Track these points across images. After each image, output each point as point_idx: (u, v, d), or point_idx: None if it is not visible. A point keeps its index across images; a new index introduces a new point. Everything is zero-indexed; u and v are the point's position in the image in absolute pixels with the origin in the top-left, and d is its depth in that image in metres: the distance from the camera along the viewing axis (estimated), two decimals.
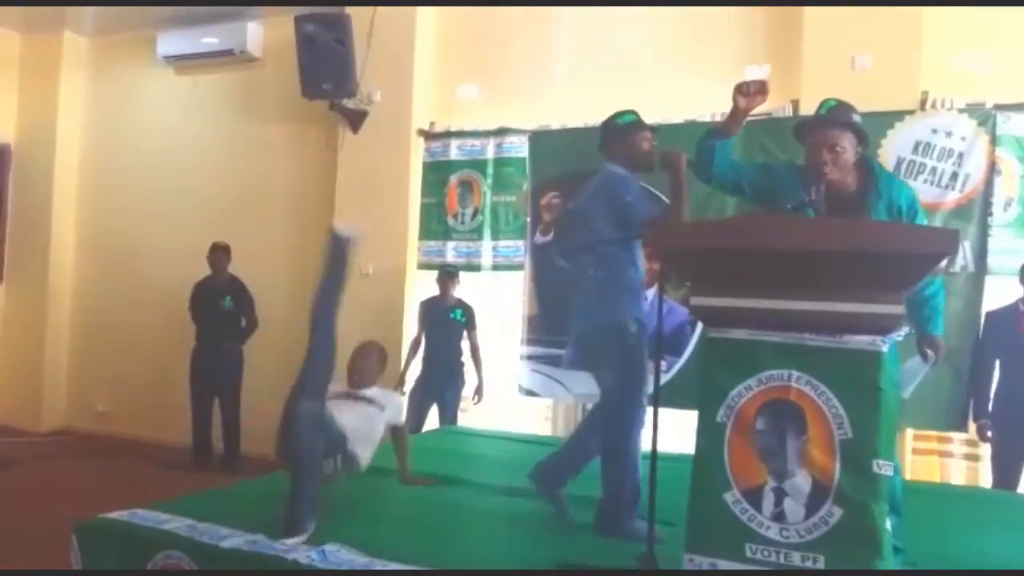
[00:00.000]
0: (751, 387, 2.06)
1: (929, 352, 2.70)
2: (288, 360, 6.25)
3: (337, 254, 3.01)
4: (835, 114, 2.67)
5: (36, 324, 7.23)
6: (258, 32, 6.56)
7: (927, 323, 2.70)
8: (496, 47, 5.86)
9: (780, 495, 1.96)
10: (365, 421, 3.20)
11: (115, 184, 7.27)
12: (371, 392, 3.35)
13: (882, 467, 1.94)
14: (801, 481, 1.96)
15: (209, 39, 6.58)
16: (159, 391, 6.57)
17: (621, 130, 3.19)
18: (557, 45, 5.58)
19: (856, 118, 2.67)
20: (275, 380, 6.10)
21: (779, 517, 1.95)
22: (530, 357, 5.35)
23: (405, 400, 3.63)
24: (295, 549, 2.65)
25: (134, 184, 7.16)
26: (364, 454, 3.14)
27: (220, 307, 5.97)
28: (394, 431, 3.41)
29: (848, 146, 2.60)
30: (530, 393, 5.38)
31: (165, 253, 6.80)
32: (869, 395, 1.98)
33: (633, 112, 3.25)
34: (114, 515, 2.98)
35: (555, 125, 5.48)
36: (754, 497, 1.98)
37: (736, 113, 2.81)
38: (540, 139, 5.46)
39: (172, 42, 6.73)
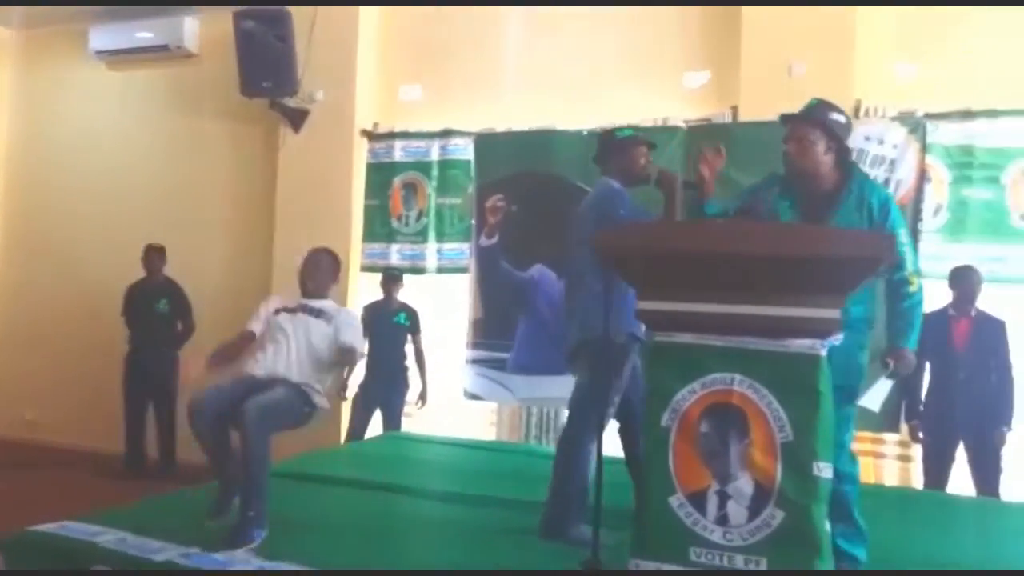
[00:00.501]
0: (695, 390, 2.07)
1: (889, 361, 2.69)
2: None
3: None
4: (809, 111, 2.72)
5: None
6: (195, 27, 6.38)
7: (898, 336, 2.70)
8: (440, 48, 5.82)
9: (724, 498, 1.98)
10: (313, 333, 3.13)
11: (44, 183, 6.98)
12: (323, 304, 3.26)
13: (822, 469, 1.98)
14: (744, 484, 1.98)
15: (143, 34, 6.37)
16: (90, 397, 6.32)
17: (619, 144, 3.23)
18: (501, 48, 5.58)
19: (836, 117, 2.70)
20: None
21: (723, 520, 1.97)
22: (475, 361, 5.33)
23: (358, 319, 3.47)
24: (235, 562, 2.58)
25: (63, 183, 6.89)
26: (317, 383, 3.11)
27: (155, 310, 5.79)
28: (343, 353, 3.19)
29: (817, 140, 2.64)
30: (474, 397, 5.36)
31: (96, 255, 6.56)
32: (809, 398, 2.01)
33: (631, 127, 3.27)
34: (43, 528, 2.87)
35: (500, 128, 5.47)
36: (698, 500, 2.00)
37: (704, 181, 2.85)
38: (485, 141, 5.45)
39: (105, 37, 6.49)
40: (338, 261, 3.43)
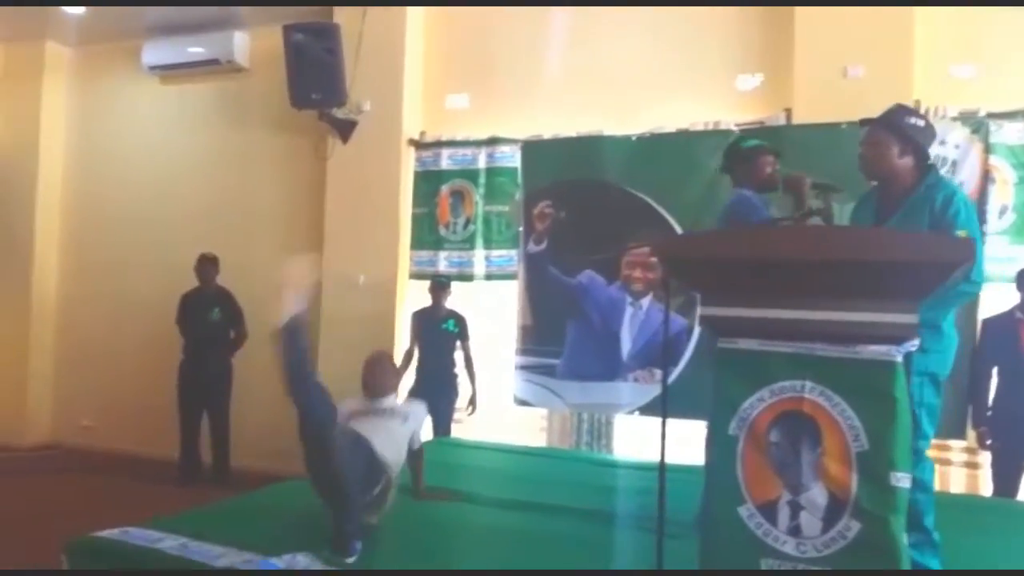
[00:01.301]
0: (763, 399, 2.02)
1: None
2: (274, 371, 6.20)
3: (292, 340, 3.08)
4: (885, 115, 2.75)
5: (19, 337, 7.08)
6: (245, 41, 6.49)
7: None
8: (486, 56, 5.83)
9: (796, 509, 1.92)
10: (391, 436, 3.14)
11: (100, 195, 7.16)
12: (389, 402, 3.30)
13: (899, 479, 1.91)
14: (817, 494, 1.92)
15: (195, 49, 6.50)
16: (146, 404, 6.43)
17: (745, 154, 3.27)
18: (548, 53, 5.56)
19: (913, 121, 2.70)
20: (264, 392, 6.06)
21: (795, 531, 1.91)
22: (524, 367, 5.30)
23: (425, 408, 3.52)
24: (296, 565, 2.59)
25: (120, 195, 7.06)
26: (394, 472, 3.10)
27: (208, 319, 5.88)
28: (412, 443, 3.32)
29: (891, 145, 2.66)
30: (524, 403, 5.33)
31: (152, 265, 6.69)
32: (884, 406, 1.95)
33: (755, 137, 3.29)
34: (106, 534, 2.91)
35: (547, 134, 5.45)
36: (769, 511, 1.94)
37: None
38: (532, 148, 5.43)
39: (157, 52, 6.63)
40: (394, 362, 3.55)
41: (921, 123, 2.71)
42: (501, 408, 5.47)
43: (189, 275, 5.94)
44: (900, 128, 2.66)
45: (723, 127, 4.96)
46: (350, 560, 2.77)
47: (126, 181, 7.04)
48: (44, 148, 7.17)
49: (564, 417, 5.46)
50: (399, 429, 3.19)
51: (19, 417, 7.02)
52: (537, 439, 5.53)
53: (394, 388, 3.38)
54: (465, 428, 5.41)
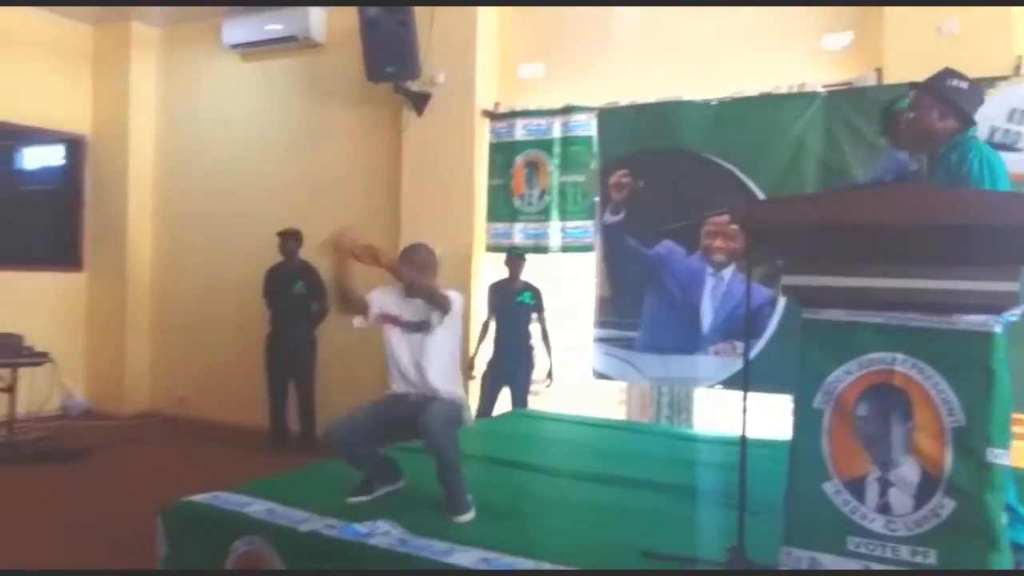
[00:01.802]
0: (851, 371, 1.94)
1: None
2: (359, 344, 6.33)
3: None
4: (928, 79, 2.71)
5: (117, 311, 7.46)
6: (320, 17, 6.57)
7: None
8: (560, 24, 5.75)
9: (885, 485, 1.85)
10: (432, 349, 3.17)
11: (188, 171, 7.42)
12: (419, 307, 3.23)
13: (997, 456, 1.81)
14: (908, 471, 1.84)
15: (273, 26, 6.62)
16: (237, 375, 6.66)
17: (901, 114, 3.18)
18: (623, 19, 5.43)
19: (956, 84, 2.64)
20: (347, 363, 6.22)
21: (885, 509, 1.84)
22: (602, 340, 5.24)
23: (459, 296, 3.31)
24: (375, 533, 2.65)
25: (207, 171, 7.30)
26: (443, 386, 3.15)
27: (292, 292, 6.04)
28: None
29: (930, 107, 2.63)
30: (603, 376, 5.29)
31: (240, 239, 6.90)
32: (982, 379, 1.84)
33: (906, 96, 3.18)
34: (197, 498, 3.03)
35: (624, 101, 5.33)
36: (856, 487, 1.87)
37: None
38: (608, 116, 5.33)
39: (237, 30, 6.80)
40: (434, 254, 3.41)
41: (964, 85, 2.65)
42: (579, 381, 5.45)
43: (276, 249, 6.11)
44: (940, 91, 2.63)
45: (808, 89, 4.75)
46: (468, 518, 2.86)
47: (213, 157, 7.28)
48: (134, 126, 7.46)
49: (644, 390, 5.41)
50: (436, 338, 3.18)
51: (119, 387, 7.41)
52: (616, 412, 5.50)
53: (427, 290, 3.21)
54: (543, 401, 5.42)
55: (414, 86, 5.89)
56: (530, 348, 5.30)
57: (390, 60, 5.77)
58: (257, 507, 2.93)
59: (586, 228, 5.49)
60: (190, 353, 7.26)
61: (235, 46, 6.87)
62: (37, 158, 7.51)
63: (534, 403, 5.36)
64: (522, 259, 5.35)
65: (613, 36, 5.42)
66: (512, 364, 5.28)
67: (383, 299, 3.31)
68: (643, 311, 5.11)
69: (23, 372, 5.87)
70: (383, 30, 5.72)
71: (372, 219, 6.26)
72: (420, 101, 5.92)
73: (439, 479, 2.99)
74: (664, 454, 4.06)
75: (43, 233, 7.47)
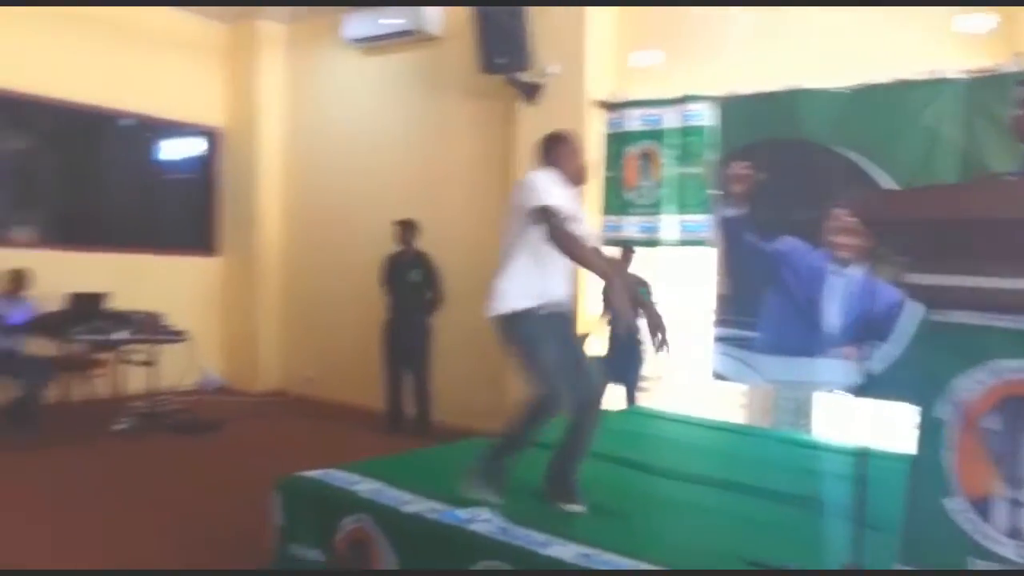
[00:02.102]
0: (981, 380, 1.78)
1: None
2: (473, 332, 6.43)
3: None
4: None
5: (249, 294, 7.92)
6: (436, 11, 6.69)
7: None
8: (675, 11, 5.58)
9: (1018, 507, 1.69)
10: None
11: (314, 162, 7.76)
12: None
13: None
14: None
15: (389, 20, 6.81)
16: (359, 358, 6.88)
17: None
18: (742, 4, 5.22)
19: None
20: (461, 351, 6.33)
21: (1016, 533, 1.68)
22: (722, 339, 5.05)
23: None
24: (475, 520, 2.68)
25: (331, 162, 7.62)
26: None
27: (408, 280, 6.20)
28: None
29: None
30: (722, 378, 5.10)
31: (363, 226, 7.15)
32: None
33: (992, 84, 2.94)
34: (311, 473, 3.17)
35: (742, 90, 5.13)
36: (983, 506, 1.72)
37: None
38: (729, 105, 5.14)
39: (356, 25, 7.04)
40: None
41: None
42: (696, 381, 5.31)
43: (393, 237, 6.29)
44: None
45: (944, 76, 4.41)
46: (581, 508, 2.85)
47: (336, 149, 7.57)
48: (264, 118, 7.88)
49: (765, 393, 5.20)
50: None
51: (252, 367, 7.86)
52: (736, 415, 5.31)
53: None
54: (657, 399, 5.32)
55: (525, 77, 5.89)
56: (639, 343, 5.21)
57: (502, 51, 5.80)
58: (366, 486, 3.03)
59: (703, 222, 5.32)
60: (317, 336, 7.60)
61: (355, 40, 7.11)
62: (176, 149, 8.06)
63: (645, 400, 5.27)
64: (632, 252, 5.26)
65: (731, 22, 5.21)
66: (623, 359, 5.20)
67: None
68: (763, 310, 4.92)
69: (164, 349, 6.31)
70: (495, 21, 5.77)
71: (483, 209, 6.32)
72: (531, 92, 5.92)
73: (565, 454, 2.95)
74: (781, 461, 3.91)
75: (182, 220, 8.01)
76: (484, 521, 2.68)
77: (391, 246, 6.32)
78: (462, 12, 6.09)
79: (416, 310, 6.23)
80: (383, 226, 6.41)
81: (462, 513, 2.73)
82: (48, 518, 4.04)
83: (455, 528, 2.63)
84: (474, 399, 6.23)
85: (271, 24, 7.82)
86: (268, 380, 7.86)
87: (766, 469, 3.71)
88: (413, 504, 2.84)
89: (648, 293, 5.19)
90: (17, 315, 5.85)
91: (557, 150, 3.13)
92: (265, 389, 7.76)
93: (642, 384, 5.29)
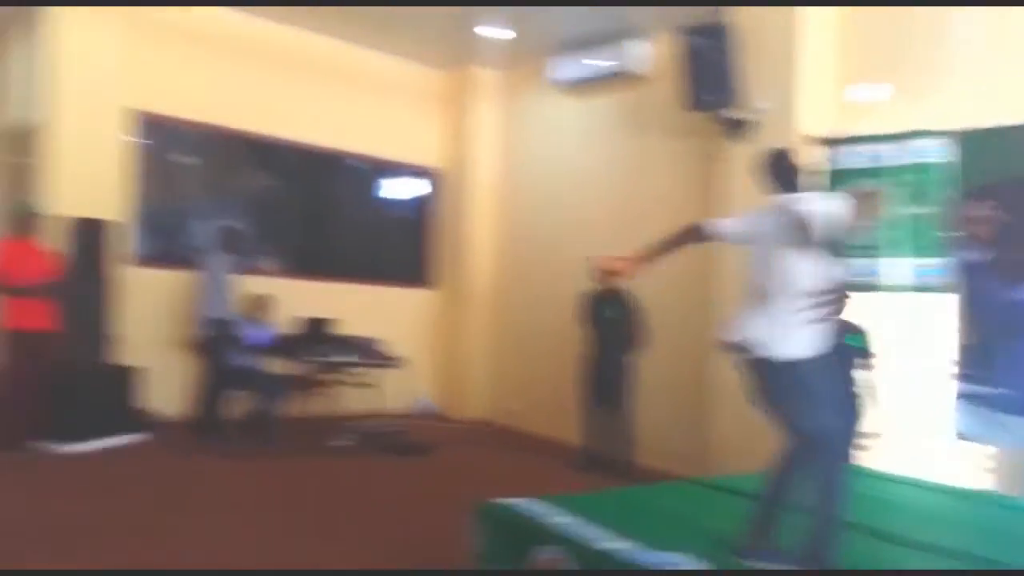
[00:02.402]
0: None
1: None
2: (675, 371, 6.29)
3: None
4: None
5: (460, 326, 8.34)
6: (639, 50, 6.75)
7: None
8: (899, 40, 5.24)
9: None
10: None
11: (523, 200, 8.10)
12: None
13: None
14: None
15: (595, 62, 6.99)
16: (561, 393, 6.88)
17: None
18: (980, 26, 4.76)
19: None
20: (662, 391, 6.22)
21: None
22: (966, 395, 4.57)
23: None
24: (673, 562, 2.59)
25: (538, 200, 7.90)
26: None
27: (606, 317, 6.20)
28: None
29: None
30: (967, 438, 4.60)
31: (567, 263, 7.24)
32: None
33: None
34: (509, 502, 3.24)
35: (985, 123, 4.64)
36: None
37: None
38: (970, 141, 4.68)
39: (564, 68, 7.30)
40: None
41: None
42: (932, 440, 4.80)
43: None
44: None
45: None
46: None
47: (544, 187, 7.86)
48: (476, 159, 8.35)
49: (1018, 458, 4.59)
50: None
51: (461, 395, 8.25)
52: (981, 481, 4.72)
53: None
54: (875, 458, 4.86)
55: (732, 113, 5.75)
56: (854, 396, 4.80)
57: (708, 88, 5.73)
58: (561, 519, 3.04)
59: (938, 266, 4.85)
60: (522, 369, 7.83)
61: (562, 83, 7.35)
62: (398, 189, 8.71)
63: (866, 459, 4.83)
64: (847, 297, 4.89)
65: (966, 48, 4.77)
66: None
67: None
68: (1013, 364, 4.39)
69: (382, 373, 6.77)
70: (701, 58, 5.72)
71: (686, 250, 6.20)
72: (737, 128, 5.76)
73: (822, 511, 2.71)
74: None
75: (401, 254, 8.61)
76: (670, 564, 2.59)
77: (591, 283, 6.37)
78: (668, 51, 6.09)
79: (615, 348, 6.20)
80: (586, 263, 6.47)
81: (655, 556, 2.66)
82: (265, 520, 4.43)
83: (649, 570, 2.56)
84: (674, 442, 6.08)
85: (485, 71, 8.28)
86: (475, 409, 8.17)
87: (1012, 543, 3.26)
88: (608, 541, 2.81)
89: (864, 341, 4.80)
90: (259, 336, 6.54)
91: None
92: (473, 417, 8.08)
93: (861, 441, 4.86)
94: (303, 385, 6.87)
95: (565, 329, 6.90)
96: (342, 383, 6.84)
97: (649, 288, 6.30)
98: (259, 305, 6.68)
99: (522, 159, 8.14)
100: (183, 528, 4.17)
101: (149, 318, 6.52)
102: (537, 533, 2.94)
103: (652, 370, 6.19)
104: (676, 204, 6.52)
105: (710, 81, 5.70)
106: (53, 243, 5.78)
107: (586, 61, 7.05)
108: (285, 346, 6.57)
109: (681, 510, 3.35)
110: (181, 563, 3.65)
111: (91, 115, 6.22)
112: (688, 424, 6.03)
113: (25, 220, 5.63)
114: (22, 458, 5.26)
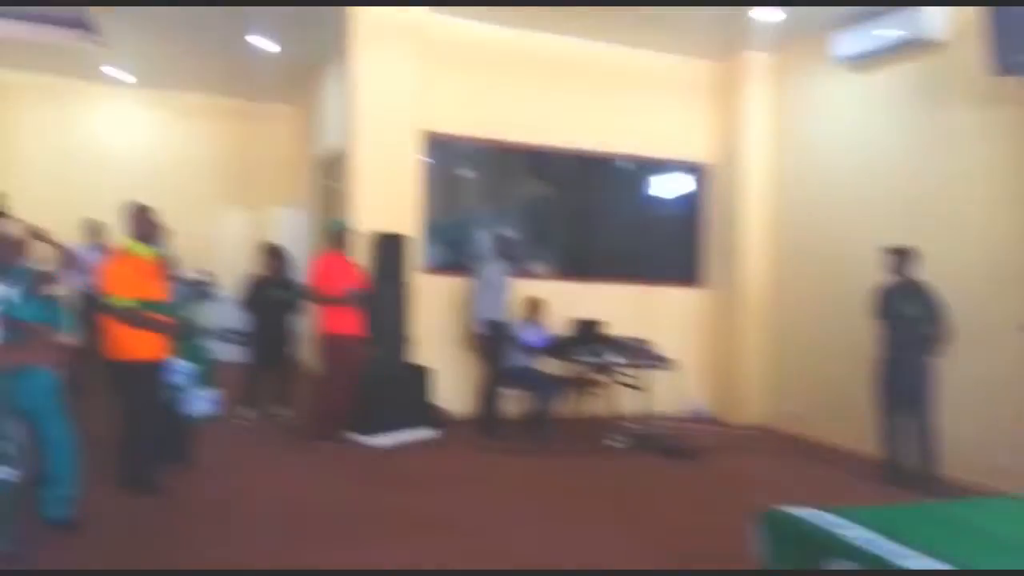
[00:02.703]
0: None
1: None
2: (990, 375, 5.52)
3: None
4: None
5: (733, 326, 8.01)
6: (934, 14, 5.97)
7: None
8: None
9: None
10: None
11: (800, 190, 7.55)
12: None
13: None
14: None
15: (885, 31, 6.30)
16: (853, 398, 6.32)
17: None
18: None
19: None
20: (974, 396, 5.49)
21: None
22: None
23: None
24: None
25: (819, 189, 7.32)
26: None
27: (904, 314, 5.58)
28: None
29: None
30: None
31: (854, 256, 6.69)
32: None
33: None
34: (796, 511, 3.03)
35: None
36: None
37: None
38: None
39: (847, 42, 6.67)
40: None
41: None
42: None
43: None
44: None
45: None
46: None
47: (825, 174, 7.26)
48: (748, 151, 7.95)
49: None
50: None
51: (734, 399, 7.92)
52: None
53: None
54: None
55: None
56: None
57: (1020, 47, 4.91)
58: (856, 532, 2.78)
59: None
60: (805, 371, 7.33)
61: (845, 59, 6.74)
62: (666, 186, 8.57)
63: None
64: None
65: None
66: None
67: None
68: None
69: (653, 375, 6.72)
70: (1012, 14, 4.93)
71: (1006, 230, 5.41)
72: None
73: None
74: None
75: (670, 253, 8.47)
76: None
77: (884, 276, 5.78)
78: (968, 13, 5.35)
79: (915, 348, 5.55)
80: (877, 255, 5.89)
81: None
82: (541, 515, 4.59)
83: None
84: (989, 453, 5.33)
85: (758, 55, 7.88)
86: (750, 414, 7.80)
87: None
88: (913, 560, 2.51)
89: None
90: (534, 337, 6.83)
91: None
92: (747, 422, 7.72)
93: None
94: (576, 385, 7.04)
95: (854, 327, 6.33)
96: (615, 384, 6.89)
97: (955, 278, 5.59)
98: (533, 308, 6.97)
99: (799, 145, 7.61)
100: (474, 519, 4.47)
101: (436, 322, 7.08)
102: (828, 545, 2.71)
103: (961, 372, 5.47)
104: (985, 181, 5.72)
105: (1022, 39, 4.92)
106: (359, 256, 6.50)
107: (875, 32, 6.40)
108: (558, 347, 6.79)
109: (1004, 530, 2.90)
110: (473, 554, 3.91)
111: (389, 139, 6.89)
112: (1006, 434, 5.25)
113: (338, 237, 6.38)
114: (338, 448, 5.97)
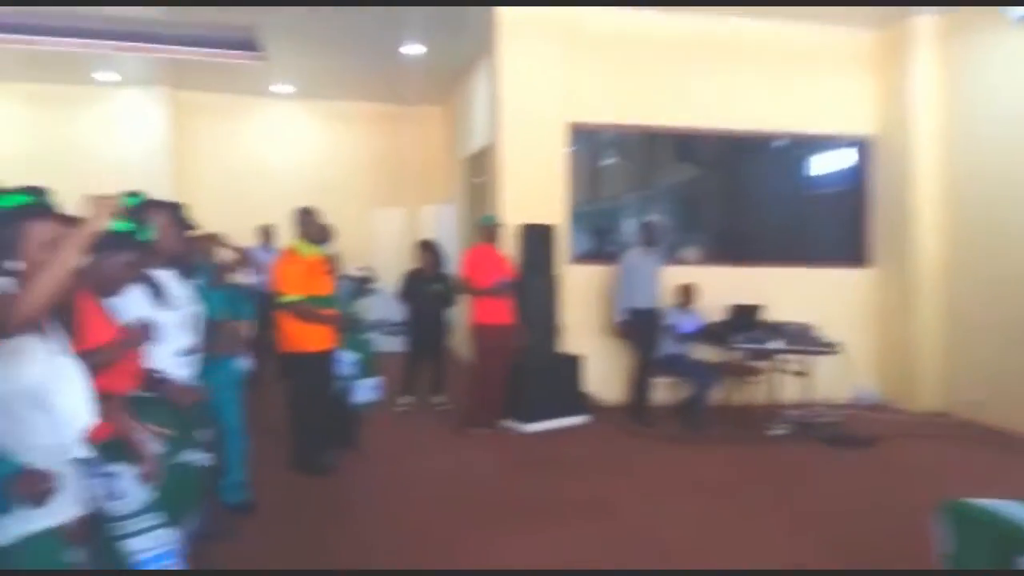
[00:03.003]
0: None
1: None
2: None
3: None
4: None
5: (905, 307, 7.45)
6: None
7: None
8: None
9: None
10: None
11: (978, 161, 6.90)
12: None
13: None
14: None
15: None
16: None
17: None
18: None
19: None
20: None
21: None
22: None
23: None
24: None
25: (999, 159, 6.66)
26: None
27: None
28: None
29: None
30: None
31: None
32: None
33: None
34: (983, 502, 2.82)
35: None
36: None
37: None
38: None
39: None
40: None
41: None
42: None
43: None
44: None
45: None
46: None
47: (1005, 143, 6.60)
48: (917, 120, 7.35)
49: None
50: None
51: (909, 384, 7.38)
52: None
53: None
54: None
55: None
56: None
57: None
58: None
59: None
60: (988, 355, 6.73)
61: (1020, 18, 6.05)
62: (826, 163, 8.10)
63: None
64: None
65: None
66: None
67: None
68: None
69: (817, 360, 6.39)
70: None
71: None
72: None
73: None
74: None
75: (832, 232, 8.02)
76: None
77: None
78: None
79: None
80: None
81: None
82: (698, 506, 4.49)
83: None
84: None
85: (924, 18, 7.28)
86: (927, 399, 7.25)
87: None
88: None
89: None
90: (688, 324, 6.68)
91: None
92: (924, 409, 7.18)
93: None
94: (734, 372, 6.84)
95: None
96: (776, 371, 6.62)
97: None
98: (685, 294, 6.82)
99: (972, 111, 6.94)
100: (633, 505, 4.46)
101: (585, 311, 7.09)
102: (1018, 541, 2.49)
103: None
104: None
105: None
106: (509, 248, 6.62)
107: None
108: (713, 333, 6.61)
109: None
110: (633, 540, 3.89)
111: (535, 133, 6.96)
112: None
113: (488, 230, 6.53)
114: (494, 435, 6.12)
